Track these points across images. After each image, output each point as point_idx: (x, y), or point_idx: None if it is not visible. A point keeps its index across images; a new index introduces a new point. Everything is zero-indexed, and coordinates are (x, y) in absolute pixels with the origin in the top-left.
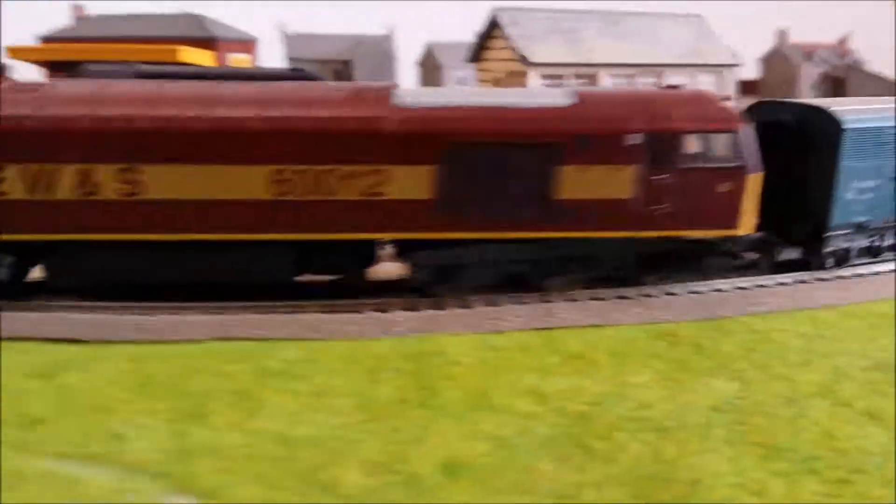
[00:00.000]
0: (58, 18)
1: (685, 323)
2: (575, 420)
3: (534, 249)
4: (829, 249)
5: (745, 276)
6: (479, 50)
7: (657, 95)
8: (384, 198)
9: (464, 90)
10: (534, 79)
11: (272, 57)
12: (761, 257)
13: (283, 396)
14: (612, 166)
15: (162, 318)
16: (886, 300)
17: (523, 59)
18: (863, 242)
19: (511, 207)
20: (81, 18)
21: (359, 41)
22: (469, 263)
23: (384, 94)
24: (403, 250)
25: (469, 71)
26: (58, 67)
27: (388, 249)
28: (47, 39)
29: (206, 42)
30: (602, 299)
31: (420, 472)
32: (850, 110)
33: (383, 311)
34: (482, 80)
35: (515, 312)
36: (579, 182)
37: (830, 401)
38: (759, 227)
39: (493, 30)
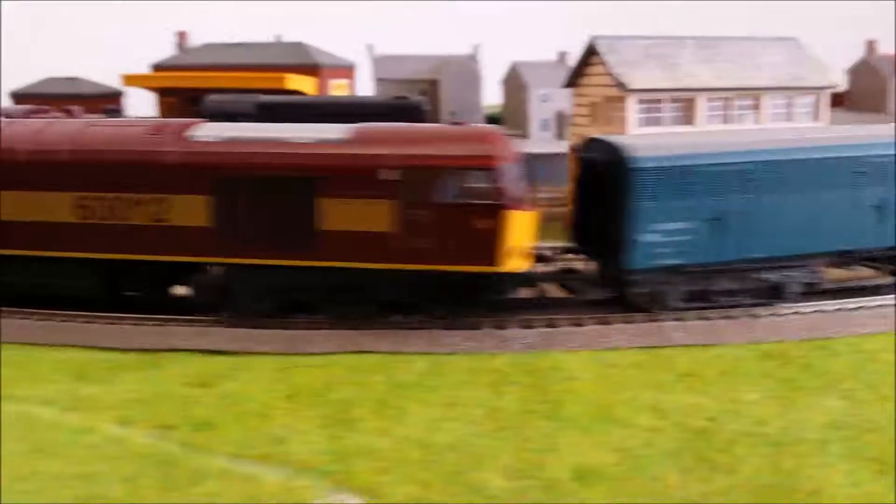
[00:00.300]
0: (164, 45)
1: (791, 343)
2: (695, 434)
3: (305, 278)
4: (639, 290)
5: (846, 297)
6: (576, 76)
7: (427, 132)
8: (168, 224)
9: (259, 126)
10: (632, 104)
11: (361, 78)
12: (568, 293)
13: (420, 406)
14: (370, 200)
15: (298, 332)
16: None
17: (621, 86)
18: (685, 286)
19: (279, 236)
20: (185, 47)
21: (445, 61)
22: (241, 288)
23: (182, 129)
24: (186, 273)
25: (551, 89)
26: (168, 93)
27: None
28: (158, 67)
29: (310, 69)
30: (709, 319)
31: (556, 477)
32: (652, 147)
33: (501, 328)
34: (579, 105)
35: (626, 332)
36: (341, 214)
37: None
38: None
39: (590, 57)
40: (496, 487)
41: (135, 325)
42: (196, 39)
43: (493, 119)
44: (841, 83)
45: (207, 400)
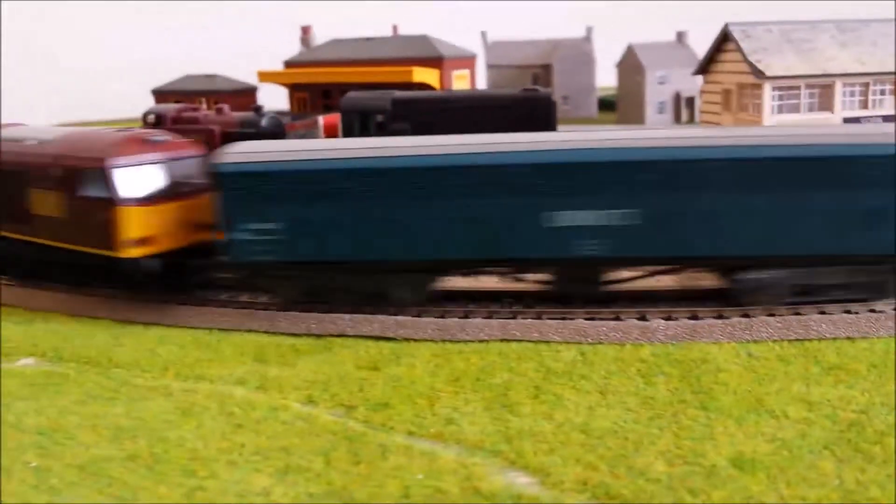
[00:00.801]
0: (289, 40)
1: None
2: (847, 426)
3: (34, 251)
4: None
5: None
6: (709, 63)
7: (90, 136)
8: None
9: (48, 129)
10: (767, 91)
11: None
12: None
13: (574, 392)
14: (49, 191)
15: (453, 321)
16: None
17: (757, 73)
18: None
19: (21, 219)
20: (309, 41)
21: (557, 45)
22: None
23: None
24: None
25: (669, 71)
26: (300, 89)
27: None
28: (289, 64)
29: (434, 61)
30: (856, 313)
31: (715, 464)
32: (249, 154)
33: (643, 319)
34: (710, 92)
35: (769, 324)
36: (40, 201)
37: None
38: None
39: (723, 43)
40: (659, 472)
41: (303, 311)
42: (318, 34)
43: (606, 102)
44: None
45: (379, 382)
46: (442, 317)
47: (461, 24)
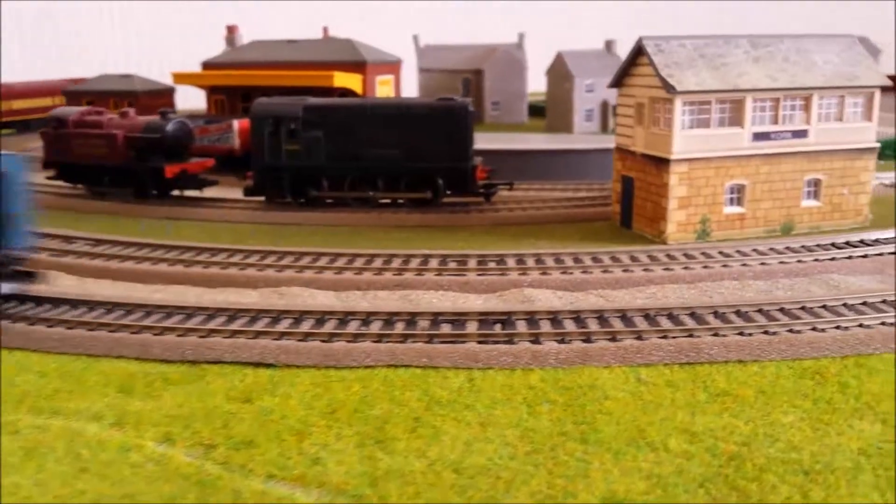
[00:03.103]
0: (214, 38)
1: (829, 360)
2: (727, 460)
3: None
4: None
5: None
6: (623, 76)
7: None
8: None
9: None
10: (678, 106)
11: (406, 69)
12: None
13: (455, 425)
14: None
15: (340, 344)
16: None
17: (668, 88)
18: None
19: None
20: (235, 42)
21: (489, 50)
22: None
23: None
24: None
25: (597, 79)
26: (218, 91)
27: None
28: (207, 65)
29: (357, 66)
30: (749, 335)
31: None
32: None
33: (537, 342)
34: (624, 105)
35: (661, 347)
36: None
37: None
38: None
39: (637, 57)
40: None
41: (180, 336)
42: (246, 35)
43: (537, 109)
44: (887, 81)
45: (248, 417)
46: (327, 341)
47: (409, 28)
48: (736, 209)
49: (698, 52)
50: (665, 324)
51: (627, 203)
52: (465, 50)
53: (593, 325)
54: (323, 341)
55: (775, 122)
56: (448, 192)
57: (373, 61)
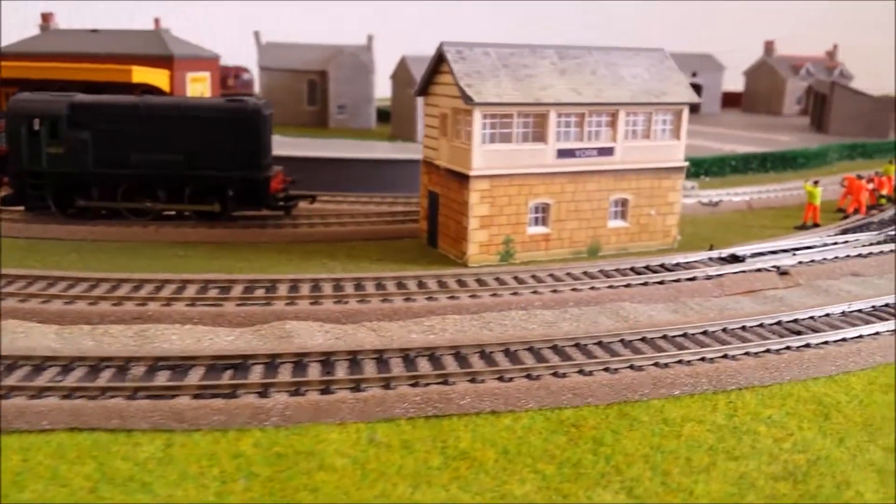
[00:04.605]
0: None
1: (591, 409)
2: None
3: None
4: None
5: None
6: (427, 84)
7: None
8: None
9: None
10: (478, 119)
11: (249, 66)
12: None
13: None
14: None
15: (16, 401)
16: (815, 380)
17: (467, 98)
18: None
19: None
20: (46, 30)
21: (336, 52)
22: None
23: None
24: None
25: None
26: (9, 84)
27: None
28: (2, 55)
29: (163, 60)
30: (510, 380)
31: None
32: None
33: (264, 395)
34: (430, 115)
35: (406, 398)
36: None
37: None
38: None
39: (439, 64)
40: None
41: None
42: (61, 22)
43: (385, 114)
44: (699, 98)
45: None
46: (5, 396)
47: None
48: (541, 229)
49: (502, 61)
50: (422, 367)
51: (433, 220)
52: (310, 50)
53: (340, 371)
54: None
55: (581, 138)
56: (240, 205)
57: (182, 56)
